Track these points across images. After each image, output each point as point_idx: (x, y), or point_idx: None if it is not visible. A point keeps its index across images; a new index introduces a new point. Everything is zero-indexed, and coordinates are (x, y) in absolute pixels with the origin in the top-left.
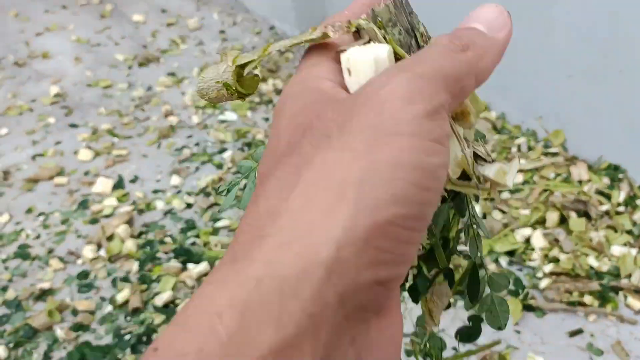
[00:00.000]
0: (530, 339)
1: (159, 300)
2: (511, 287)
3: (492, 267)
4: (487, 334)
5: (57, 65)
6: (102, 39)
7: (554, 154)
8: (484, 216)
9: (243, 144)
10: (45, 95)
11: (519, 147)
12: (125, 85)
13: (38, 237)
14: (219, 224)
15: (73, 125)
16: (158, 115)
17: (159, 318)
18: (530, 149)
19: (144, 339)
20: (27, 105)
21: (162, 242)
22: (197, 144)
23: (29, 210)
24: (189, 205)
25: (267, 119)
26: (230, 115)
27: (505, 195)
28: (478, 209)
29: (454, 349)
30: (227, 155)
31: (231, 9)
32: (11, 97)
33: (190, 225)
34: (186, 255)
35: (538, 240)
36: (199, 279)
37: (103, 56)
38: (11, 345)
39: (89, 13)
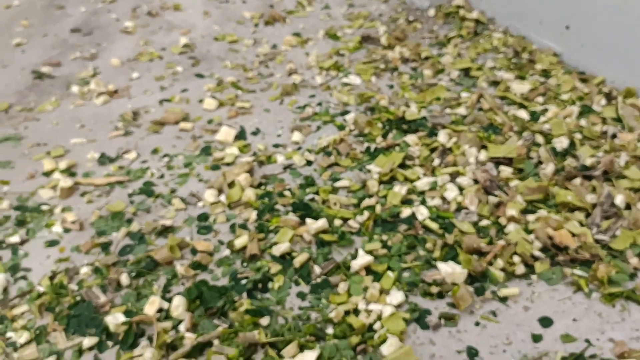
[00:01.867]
0: None
1: (277, 251)
2: None
3: (634, 261)
4: None
5: (186, 17)
6: None
7: None
8: (628, 206)
9: (366, 108)
10: (174, 45)
11: None
12: (250, 41)
13: (162, 176)
14: (339, 183)
15: (199, 75)
16: (282, 72)
17: (275, 267)
18: None
19: (260, 285)
20: (157, 53)
21: (281, 194)
22: (319, 104)
23: (155, 151)
24: (309, 163)
25: (391, 86)
26: (354, 79)
27: None
28: (621, 198)
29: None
30: (349, 117)
31: None
32: (143, 44)
33: (309, 182)
34: (305, 210)
35: None
36: (317, 234)
37: (231, 12)
38: (133, 274)
39: None
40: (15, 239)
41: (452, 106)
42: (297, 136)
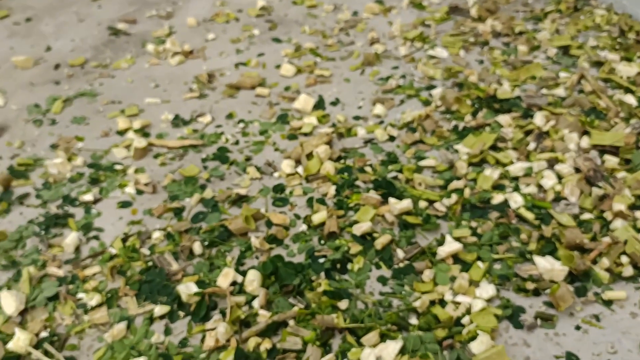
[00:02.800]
0: None
1: (357, 230)
2: None
3: None
4: None
5: None
6: None
7: None
8: None
9: (453, 83)
10: (251, 7)
11: None
12: (330, 7)
13: (237, 143)
14: (424, 162)
15: (276, 40)
16: (363, 41)
17: (355, 248)
18: None
19: (338, 265)
20: (234, 14)
21: (361, 170)
22: (403, 77)
23: (230, 116)
24: (391, 138)
25: (481, 62)
26: (440, 52)
27: None
28: None
29: None
30: (435, 92)
31: None
32: (219, 4)
33: (392, 159)
34: (387, 189)
35: None
36: (400, 215)
37: None
38: (206, 243)
39: None
40: (88, 197)
41: (549, 86)
42: (379, 109)
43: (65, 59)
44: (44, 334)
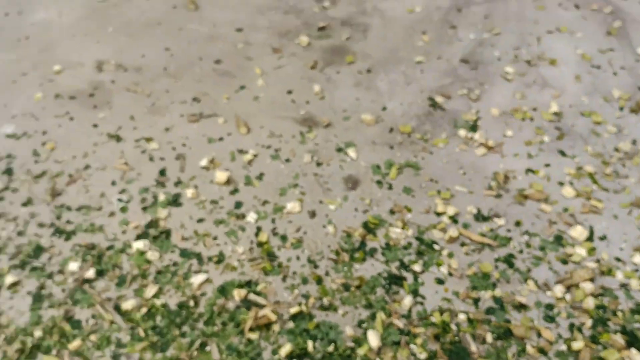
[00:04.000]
0: None
1: None
2: None
3: None
4: None
5: (559, 76)
6: (603, 62)
7: None
8: None
9: None
10: (545, 108)
11: None
12: (613, 128)
13: (521, 252)
14: None
15: (561, 153)
16: (636, 177)
17: None
18: None
19: None
20: (530, 113)
21: (614, 313)
22: None
23: (517, 224)
24: None
25: None
26: None
27: None
28: None
29: None
30: None
31: None
32: (519, 97)
33: (638, 310)
34: (631, 338)
35: None
36: None
37: (600, 84)
38: (495, 335)
39: (597, 22)
40: (417, 267)
41: None
42: (637, 258)
43: (397, 123)
44: None
